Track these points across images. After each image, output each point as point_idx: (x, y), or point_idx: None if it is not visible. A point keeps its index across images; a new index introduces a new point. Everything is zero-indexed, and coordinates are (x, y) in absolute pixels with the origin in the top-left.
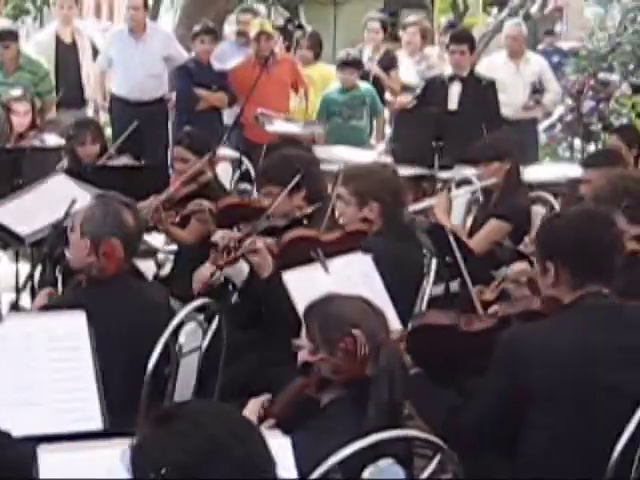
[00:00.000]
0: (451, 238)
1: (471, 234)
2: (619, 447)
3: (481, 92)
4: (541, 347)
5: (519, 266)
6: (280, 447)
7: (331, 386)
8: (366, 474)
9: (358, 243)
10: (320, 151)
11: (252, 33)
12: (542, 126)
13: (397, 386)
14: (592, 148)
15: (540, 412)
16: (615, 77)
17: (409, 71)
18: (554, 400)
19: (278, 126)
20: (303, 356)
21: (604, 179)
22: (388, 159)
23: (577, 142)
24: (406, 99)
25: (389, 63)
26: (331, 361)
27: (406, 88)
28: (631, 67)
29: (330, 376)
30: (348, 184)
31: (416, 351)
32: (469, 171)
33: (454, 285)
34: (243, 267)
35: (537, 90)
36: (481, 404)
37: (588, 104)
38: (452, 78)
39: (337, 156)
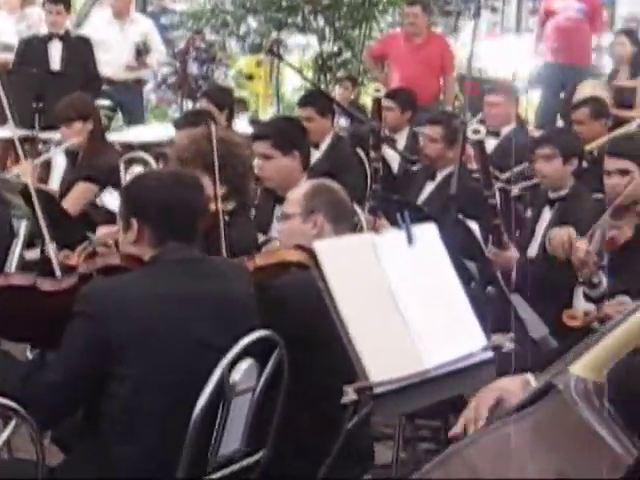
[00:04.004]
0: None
1: (62, 196)
2: (205, 395)
3: (81, 51)
4: (120, 300)
5: (104, 229)
6: None
7: None
8: None
9: None
10: None
11: None
12: (149, 87)
13: None
14: None
15: (122, 364)
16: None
17: (8, 30)
18: (135, 352)
19: None
20: None
21: (187, 139)
22: None
23: (189, 104)
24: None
25: None
26: None
27: (6, 48)
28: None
29: None
30: None
31: None
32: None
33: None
34: None
35: (141, 51)
36: (62, 361)
37: (193, 65)
38: (50, 37)
39: None
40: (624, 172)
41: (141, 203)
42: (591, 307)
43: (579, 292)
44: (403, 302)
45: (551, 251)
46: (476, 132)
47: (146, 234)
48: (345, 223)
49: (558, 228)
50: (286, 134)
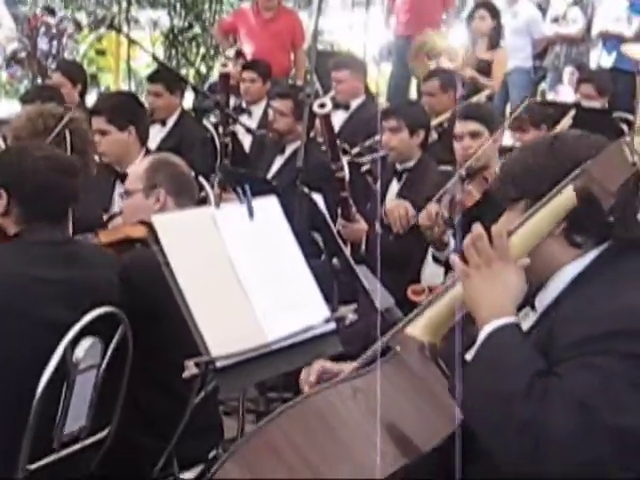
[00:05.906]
0: None
1: None
2: (47, 372)
3: None
4: None
5: None
6: None
7: None
8: None
9: None
10: None
11: None
12: None
13: None
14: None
15: None
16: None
17: None
18: None
19: None
20: None
21: (25, 117)
22: None
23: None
24: None
25: None
26: None
27: None
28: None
29: None
30: None
31: None
32: None
33: None
34: None
35: None
36: None
37: (43, 40)
38: None
39: None
40: (474, 134)
41: (16, 178)
42: (440, 271)
43: (429, 257)
44: (244, 275)
45: (389, 221)
46: (322, 106)
47: (15, 209)
48: (188, 197)
49: (396, 200)
50: (121, 109)
